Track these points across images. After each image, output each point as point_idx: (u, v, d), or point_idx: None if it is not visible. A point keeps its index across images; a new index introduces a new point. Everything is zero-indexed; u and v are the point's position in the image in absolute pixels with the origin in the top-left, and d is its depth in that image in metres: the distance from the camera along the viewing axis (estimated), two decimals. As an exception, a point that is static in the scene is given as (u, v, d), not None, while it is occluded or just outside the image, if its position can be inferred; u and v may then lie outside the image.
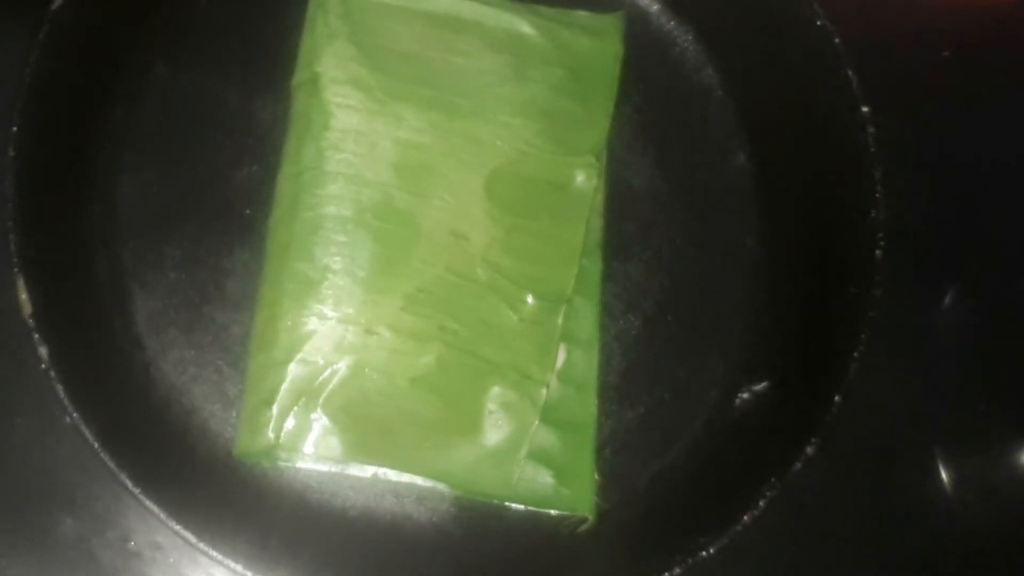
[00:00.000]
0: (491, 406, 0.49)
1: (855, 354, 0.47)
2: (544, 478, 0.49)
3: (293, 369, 0.47)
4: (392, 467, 0.48)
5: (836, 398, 0.47)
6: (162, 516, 0.43)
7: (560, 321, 0.50)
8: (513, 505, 0.49)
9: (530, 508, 0.49)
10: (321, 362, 0.48)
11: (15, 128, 0.45)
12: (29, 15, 0.47)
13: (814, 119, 0.52)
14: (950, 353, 0.56)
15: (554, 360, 0.50)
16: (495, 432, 0.49)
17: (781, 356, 0.52)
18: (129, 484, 0.43)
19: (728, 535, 0.45)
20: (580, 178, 0.52)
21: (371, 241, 0.49)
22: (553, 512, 0.49)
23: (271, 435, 0.47)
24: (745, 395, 0.52)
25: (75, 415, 0.43)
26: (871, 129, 0.50)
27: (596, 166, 0.52)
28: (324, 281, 0.48)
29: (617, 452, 0.51)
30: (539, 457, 0.49)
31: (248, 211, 0.51)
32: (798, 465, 0.46)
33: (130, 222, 0.51)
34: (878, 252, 0.49)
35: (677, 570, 0.44)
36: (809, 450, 0.46)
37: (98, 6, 0.49)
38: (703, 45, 0.57)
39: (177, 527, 0.43)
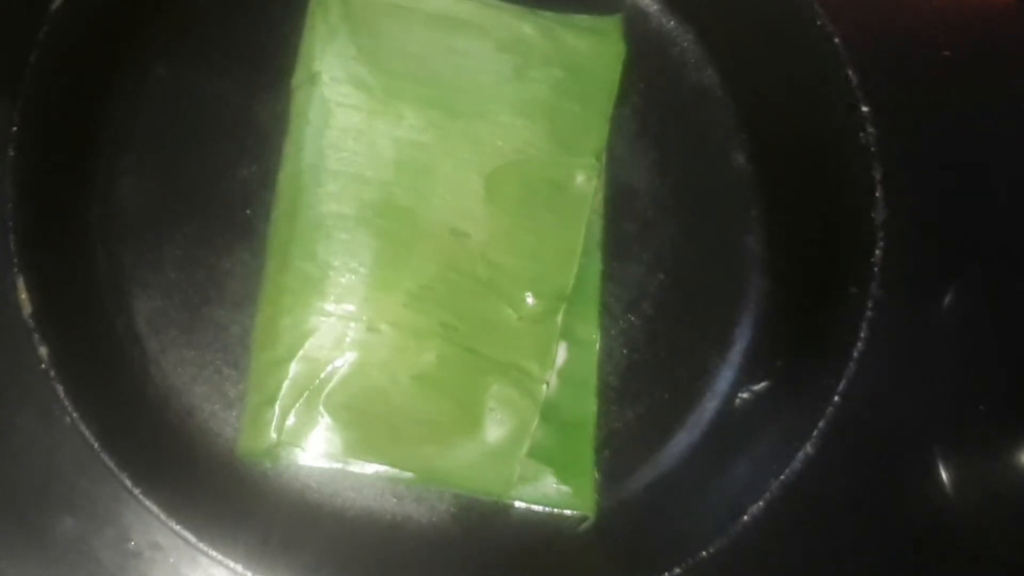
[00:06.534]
0: (492, 403, 0.49)
1: (855, 354, 0.47)
2: (545, 476, 0.49)
3: (295, 367, 0.47)
4: (393, 465, 0.48)
5: (836, 398, 0.47)
6: (162, 516, 0.43)
7: (560, 320, 0.50)
8: (514, 503, 0.49)
9: (531, 506, 0.49)
10: (323, 359, 0.48)
11: (15, 128, 0.45)
12: (29, 15, 0.47)
13: (814, 119, 0.52)
14: (950, 353, 0.56)
15: (554, 358, 0.50)
16: (496, 429, 0.49)
17: (781, 356, 0.52)
18: (129, 484, 0.43)
19: (728, 535, 0.45)
20: (580, 178, 0.52)
21: (372, 238, 0.49)
22: (554, 510, 0.49)
23: (273, 435, 0.47)
24: (745, 395, 0.52)
25: (75, 415, 0.43)
26: (871, 129, 0.50)
27: (596, 166, 0.52)
28: (326, 278, 0.48)
29: (617, 452, 0.51)
30: (540, 455, 0.49)
31: (248, 211, 0.51)
32: (798, 465, 0.46)
33: (130, 222, 0.50)
34: (878, 252, 0.49)
35: (677, 570, 0.44)
36: (809, 450, 0.46)
37: (98, 6, 0.49)
38: (703, 45, 0.57)
39: (177, 527, 0.43)
